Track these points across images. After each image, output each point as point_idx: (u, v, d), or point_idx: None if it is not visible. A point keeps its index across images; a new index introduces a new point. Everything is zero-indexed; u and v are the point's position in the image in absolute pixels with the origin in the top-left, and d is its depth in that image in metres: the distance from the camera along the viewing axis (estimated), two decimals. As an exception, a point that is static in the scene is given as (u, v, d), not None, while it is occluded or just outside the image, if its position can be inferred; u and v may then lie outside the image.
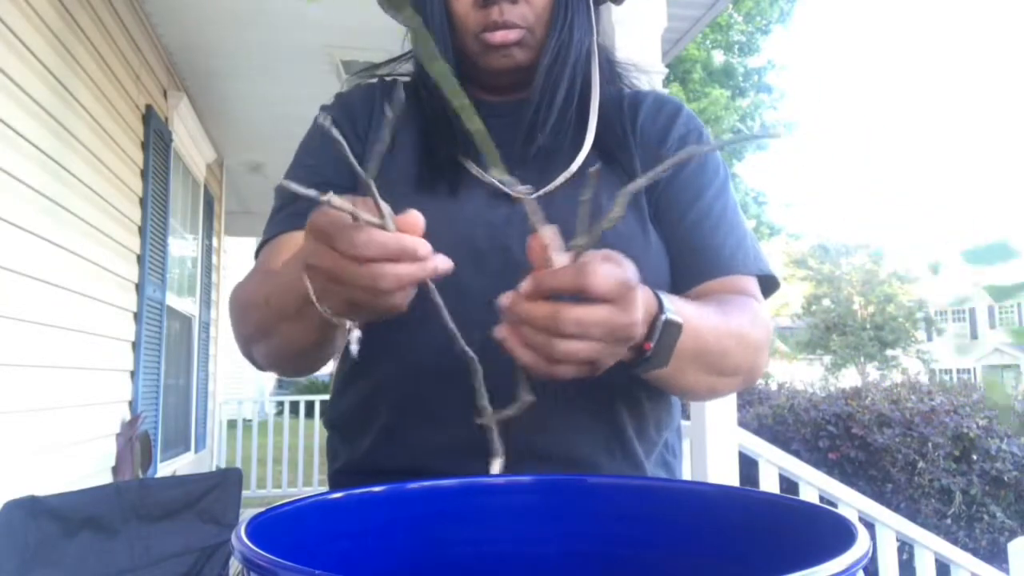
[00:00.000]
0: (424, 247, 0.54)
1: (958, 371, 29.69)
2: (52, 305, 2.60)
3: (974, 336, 33.47)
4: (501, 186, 0.77)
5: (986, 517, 4.25)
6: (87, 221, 2.90)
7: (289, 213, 0.81)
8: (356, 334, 0.58)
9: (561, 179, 0.77)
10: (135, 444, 3.23)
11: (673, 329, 0.61)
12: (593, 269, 0.52)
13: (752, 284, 0.80)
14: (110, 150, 3.17)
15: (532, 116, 0.79)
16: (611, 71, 0.86)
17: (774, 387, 6.51)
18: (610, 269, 0.52)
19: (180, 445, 4.75)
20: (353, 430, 0.80)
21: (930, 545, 2.77)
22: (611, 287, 0.52)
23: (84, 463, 2.93)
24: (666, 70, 2.84)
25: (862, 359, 24.74)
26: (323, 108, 0.88)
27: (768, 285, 0.82)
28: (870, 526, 2.64)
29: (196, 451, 5.16)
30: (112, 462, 3.20)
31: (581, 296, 0.52)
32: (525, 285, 0.54)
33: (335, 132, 0.49)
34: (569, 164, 0.78)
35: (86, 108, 2.87)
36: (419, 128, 0.82)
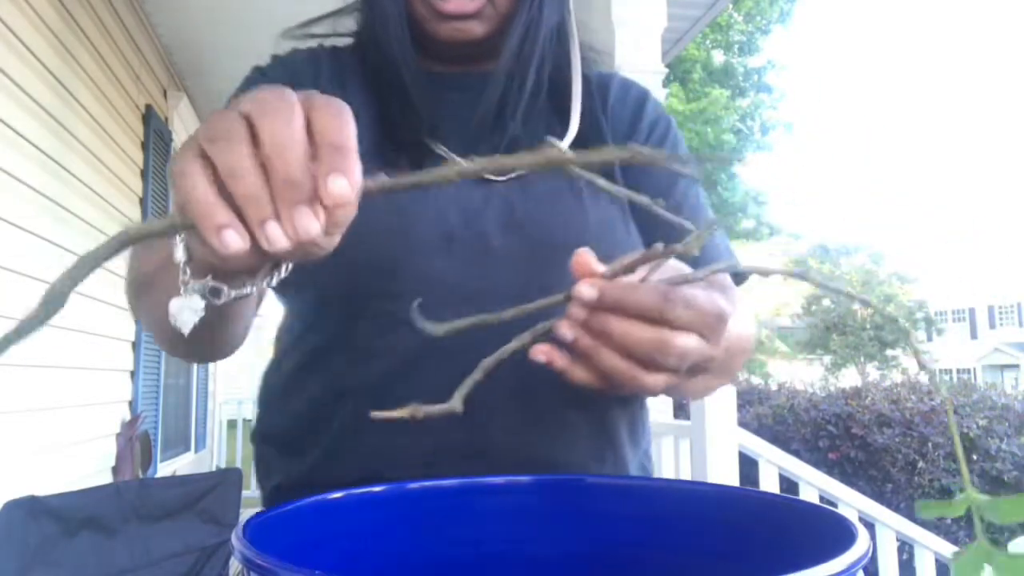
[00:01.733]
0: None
1: (958, 371, 29.68)
2: (52, 305, 2.59)
3: (974, 336, 33.47)
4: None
5: (986, 517, 4.25)
6: (87, 221, 2.89)
7: None
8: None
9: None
10: (135, 444, 3.23)
11: None
12: (685, 296, 0.45)
13: (727, 275, 0.76)
14: (110, 150, 3.17)
15: (500, 101, 0.72)
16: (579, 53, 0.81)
17: (774, 387, 6.50)
18: (706, 298, 0.46)
19: (180, 445, 4.75)
20: (296, 442, 0.71)
21: (930, 545, 2.77)
22: (702, 319, 0.46)
23: (84, 463, 2.93)
24: (666, 70, 2.84)
25: (862, 359, 24.72)
26: (257, 68, 0.81)
27: (737, 277, 0.78)
28: (870, 526, 2.64)
29: (196, 451, 5.16)
30: (112, 462, 3.20)
31: (657, 319, 0.45)
32: (595, 294, 0.45)
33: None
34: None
35: (86, 108, 2.87)
36: (372, 94, 0.74)
